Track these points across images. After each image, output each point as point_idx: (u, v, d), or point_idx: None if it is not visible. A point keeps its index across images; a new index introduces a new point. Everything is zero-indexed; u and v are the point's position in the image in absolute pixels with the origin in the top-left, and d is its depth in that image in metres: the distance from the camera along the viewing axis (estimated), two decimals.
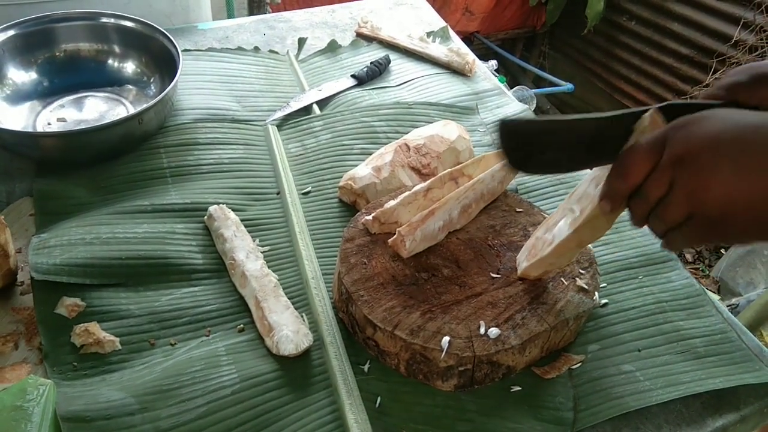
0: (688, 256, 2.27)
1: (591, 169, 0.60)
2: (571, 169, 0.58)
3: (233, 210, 0.81)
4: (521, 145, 0.54)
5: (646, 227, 0.51)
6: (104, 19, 1.02)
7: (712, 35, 2.20)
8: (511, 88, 2.51)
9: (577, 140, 0.53)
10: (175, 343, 0.67)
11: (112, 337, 0.65)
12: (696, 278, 0.82)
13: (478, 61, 1.20)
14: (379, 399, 0.64)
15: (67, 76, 1.01)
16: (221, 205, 0.81)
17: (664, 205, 0.47)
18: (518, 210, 0.79)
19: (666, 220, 0.48)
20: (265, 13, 1.85)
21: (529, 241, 0.69)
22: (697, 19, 2.23)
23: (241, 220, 0.80)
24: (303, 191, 0.89)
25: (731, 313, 0.75)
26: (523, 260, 0.69)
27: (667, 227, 0.49)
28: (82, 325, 0.65)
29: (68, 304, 0.67)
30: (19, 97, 0.96)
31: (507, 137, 0.53)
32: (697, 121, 0.45)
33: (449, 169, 0.79)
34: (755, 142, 0.42)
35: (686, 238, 0.48)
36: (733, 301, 1.85)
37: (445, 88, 1.12)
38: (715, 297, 1.82)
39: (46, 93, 0.99)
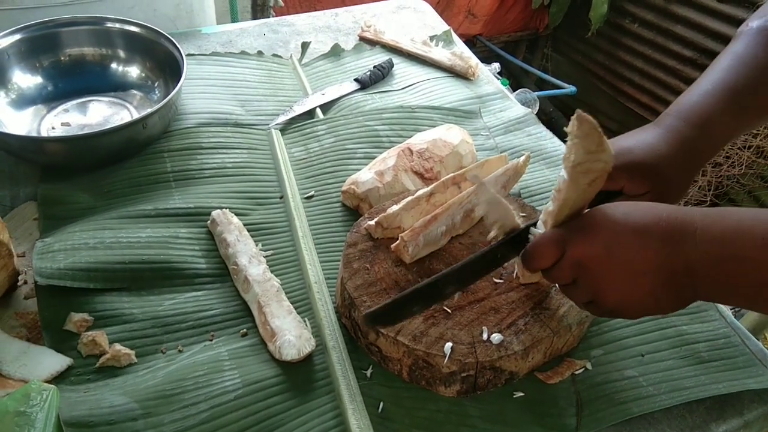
0: None
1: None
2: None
3: (236, 214, 0.81)
4: (392, 317, 0.62)
5: None
6: (109, 24, 1.02)
7: (715, 37, 2.20)
8: (514, 91, 2.51)
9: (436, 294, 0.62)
10: (182, 349, 0.67)
11: (128, 350, 0.65)
12: None
13: (481, 65, 1.20)
14: (381, 404, 0.64)
15: (72, 81, 1.01)
16: (224, 209, 0.81)
17: (569, 289, 0.56)
18: (521, 215, 0.79)
19: (573, 299, 0.58)
20: (269, 17, 1.85)
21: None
22: (700, 21, 2.23)
23: (244, 225, 0.80)
24: (306, 195, 0.89)
25: (735, 316, 0.75)
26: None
27: (577, 302, 0.58)
28: (89, 333, 0.66)
29: (77, 320, 0.67)
30: (23, 101, 0.97)
31: (376, 322, 0.62)
32: (590, 226, 0.52)
33: (452, 174, 0.79)
34: (639, 243, 0.49)
35: (594, 313, 0.57)
36: None
37: (448, 92, 1.12)
38: None
39: (51, 97, 1.00)
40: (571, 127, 0.50)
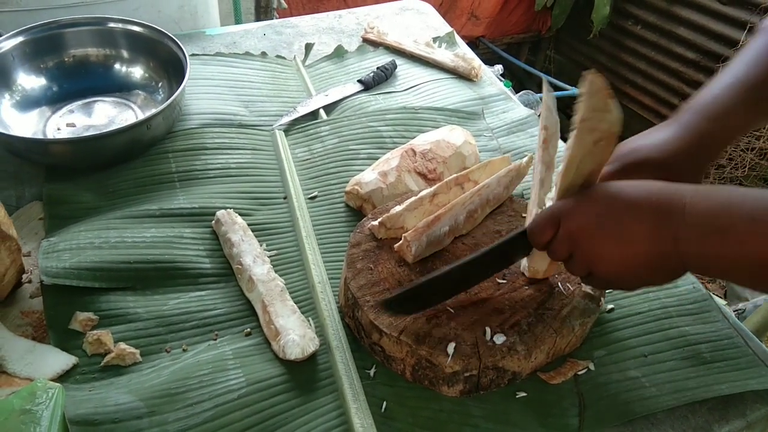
0: None
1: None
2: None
3: (240, 214, 0.81)
4: (411, 305, 0.64)
5: None
6: (112, 25, 1.03)
7: (718, 39, 2.20)
8: (517, 92, 2.51)
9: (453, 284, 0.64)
10: (186, 349, 0.67)
11: (133, 349, 0.66)
12: (702, 283, 0.82)
13: (483, 66, 1.21)
14: (384, 404, 0.64)
15: (76, 82, 1.02)
16: (229, 209, 0.81)
17: (569, 263, 0.58)
18: (524, 215, 0.79)
19: (573, 273, 0.60)
20: (272, 19, 1.86)
21: None
22: (703, 23, 2.23)
23: (248, 225, 0.80)
24: (310, 196, 0.89)
25: (738, 317, 0.75)
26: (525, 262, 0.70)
27: (578, 276, 0.60)
28: (94, 332, 0.66)
29: (82, 320, 0.67)
30: (28, 102, 0.97)
31: (396, 308, 0.63)
32: (583, 200, 0.54)
33: (455, 174, 0.79)
34: (629, 216, 0.51)
35: (595, 286, 0.61)
36: (740, 305, 1.84)
37: (451, 93, 1.13)
38: (722, 302, 1.81)
39: (56, 98, 1.00)
40: (581, 85, 0.52)
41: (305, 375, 0.66)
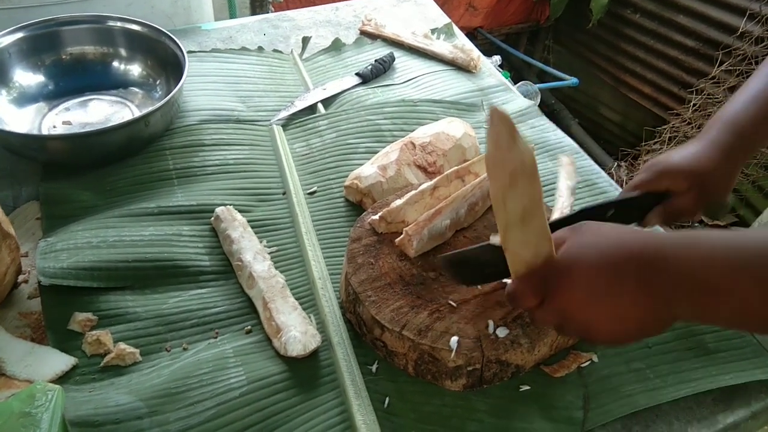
0: None
1: None
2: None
3: (240, 211, 0.81)
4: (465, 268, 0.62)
5: None
6: (110, 23, 1.02)
7: (717, 27, 2.18)
8: (516, 83, 2.50)
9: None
10: (187, 347, 0.67)
11: (132, 349, 0.65)
12: None
13: (482, 57, 1.20)
14: (387, 399, 0.63)
15: (73, 79, 1.01)
16: (228, 206, 0.80)
17: (560, 330, 0.57)
18: None
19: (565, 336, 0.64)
20: (268, 12, 1.84)
21: None
22: (703, 10, 2.21)
23: (248, 221, 0.80)
24: (309, 191, 0.88)
25: None
26: None
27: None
28: (93, 332, 0.65)
29: (81, 320, 0.67)
30: (25, 99, 0.97)
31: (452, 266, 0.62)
32: (567, 273, 0.52)
33: (455, 167, 0.79)
34: (619, 285, 0.49)
35: (591, 344, 0.67)
36: None
37: (450, 85, 1.12)
38: None
39: (52, 95, 0.99)
40: (486, 121, 0.50)
41: (307, 372, 0.65)
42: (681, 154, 0.69)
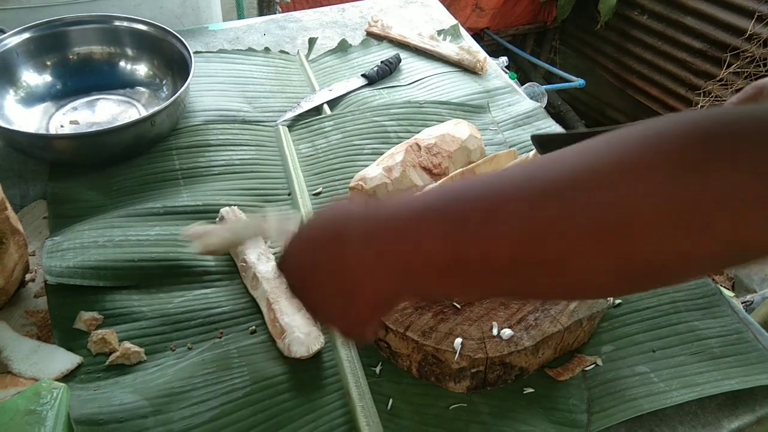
0: None
1: None
2: None
3: (245, 211, 0.81)
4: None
5: None
6: (117, 23, 1.02)
7: (725, 29, 2.17)
8: (522, 84, 2.49)
9: None
10: (191, 347, 0.67)
11: (138, 348, 0.65)
12: (709, 275, 0.82)
13: (489, 59, 1.20)
14: (390, 401, 0.63)
15: (80, 79, 1.01)
16: (233, 206, 0.81)
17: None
18: None
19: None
20: (275, 14, 1.85)
21: None
22: (711, 12, 2.21)
23: None
24: (314, 192, 0.88)
25: (745, 309, 0.75)
26: None
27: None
28: (99, 332, 0.66)
29: (86, 319, 0.67)
30: (32, 99, 0.97)
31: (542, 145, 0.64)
32: (291, 255, 0.49)
33: (461, 169, 0.79)
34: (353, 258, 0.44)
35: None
36: (748, 297, 1.82)
37: (456, 87, 1.12)
38: (729, 293, 1.80)
39: (60, 95, 1.00)
40: None
41: (310, 373, 0.65)
42: None
